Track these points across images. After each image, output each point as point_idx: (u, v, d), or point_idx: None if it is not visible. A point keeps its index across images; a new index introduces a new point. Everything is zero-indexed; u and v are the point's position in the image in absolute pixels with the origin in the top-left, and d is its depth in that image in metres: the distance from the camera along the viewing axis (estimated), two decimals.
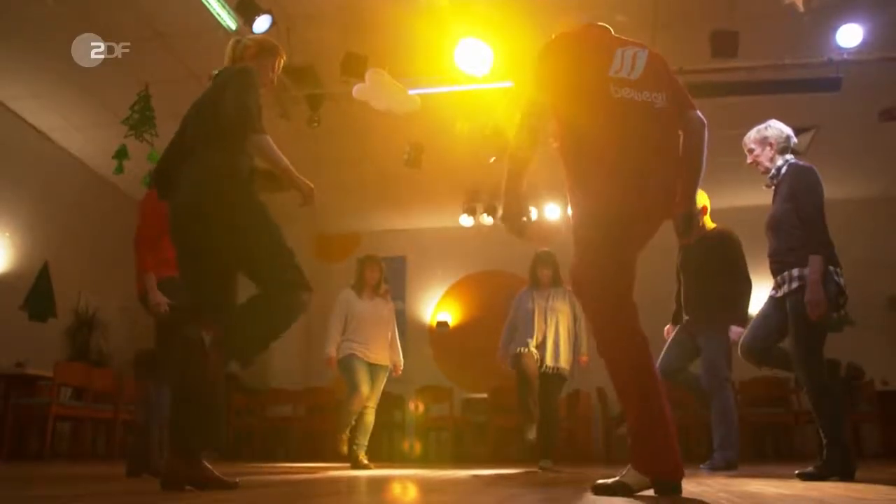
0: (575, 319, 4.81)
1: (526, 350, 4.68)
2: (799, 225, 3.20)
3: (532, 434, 4.56)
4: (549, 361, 4.67)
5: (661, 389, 2.08)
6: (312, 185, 2.52)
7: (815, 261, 3.10)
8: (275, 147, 2.42)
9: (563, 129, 2.22)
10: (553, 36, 2.44)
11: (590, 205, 2.17)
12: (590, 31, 2.38)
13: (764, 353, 3.42)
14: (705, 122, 2.34)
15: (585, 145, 2.20)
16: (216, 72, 2.64)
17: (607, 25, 2.42)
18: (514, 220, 2.27)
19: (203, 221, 2.36)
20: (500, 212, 2.30)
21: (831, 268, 3.15)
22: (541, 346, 4.70)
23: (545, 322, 4.74)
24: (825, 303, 3.07)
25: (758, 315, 3.46)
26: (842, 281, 3.17)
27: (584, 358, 4.80)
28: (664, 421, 2.02)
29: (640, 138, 2.17)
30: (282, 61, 2.81)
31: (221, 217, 2.35)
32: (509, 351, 4.86)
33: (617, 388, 2.14)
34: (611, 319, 2.13)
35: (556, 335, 4.72)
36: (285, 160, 2.45)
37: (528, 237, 2.32)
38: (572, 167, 2.24)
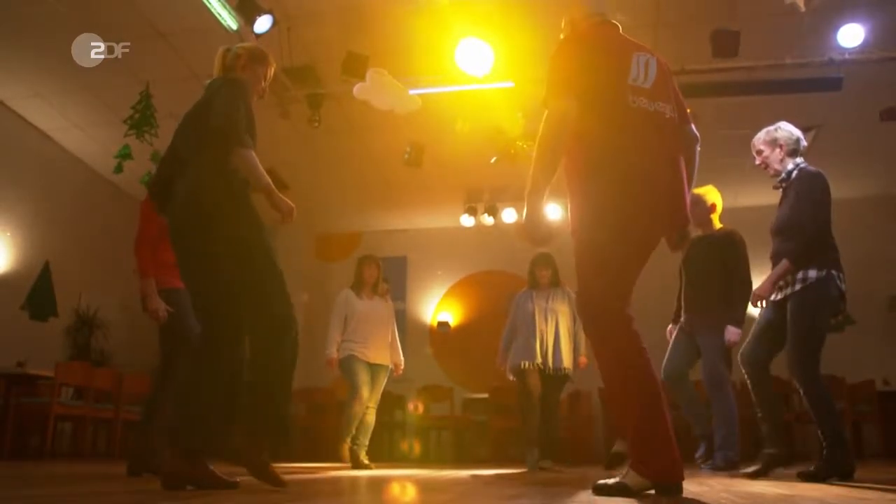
0: (574, 319, 4.80)
1: (529, 365, 4.66)
2: (801, 229, 3.21)
3: (533, 461, 4.57)
4: (549, 362, 4.68)
5: (661, 391, 2.08)
6: (293, 206, 2.50)
7: (783, 265, 3.22)
8: (257, 164, 2.39)
9: (573, 131, 2.18)
10: (568, 33, 2.41)
11: (596, 207, 2.17)
12: (605, 32, 2.35)
13: (760, 370, 3.38)
14: (699, 137, 2.40)
15: (597, 149, 2.19)
16: (208, 82, 2.64)
17: (617, 23, 2.40)
18: (538, 230, 2.17)
19: (199, 231, 2.37)
20: (522, 219, 2.22)
21: (834, 272, 3.16)
22: (541, 347, 4.70)
23: (545, 323, 4.74)
24: (767, 300, 3.28)
25: (758, 322, 3.43)
26: (843, 286, 3.18)
27: (584, 359, 4.81)
28: (664, 423, 2.02)
29: (651, 148, 2.18)
30: (272, 70, 2.80)
31: (217, 226, 2.35)
32: (510, 357, 4.86)
33: (616, 390, 2.14)
34: (612, 320, 2.13)
35: (556, 336, 4.72)
36: (266, 178, 2.41)
37: (547, 243, 2.31)
38: (579, 169, 2.22)
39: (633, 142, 2.17)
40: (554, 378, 4.71)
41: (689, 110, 2.47)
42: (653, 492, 2.03)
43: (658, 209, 2.18)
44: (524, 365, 4.67)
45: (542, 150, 2.16)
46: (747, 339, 3.47)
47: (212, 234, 2.35)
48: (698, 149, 2.42)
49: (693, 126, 2.39)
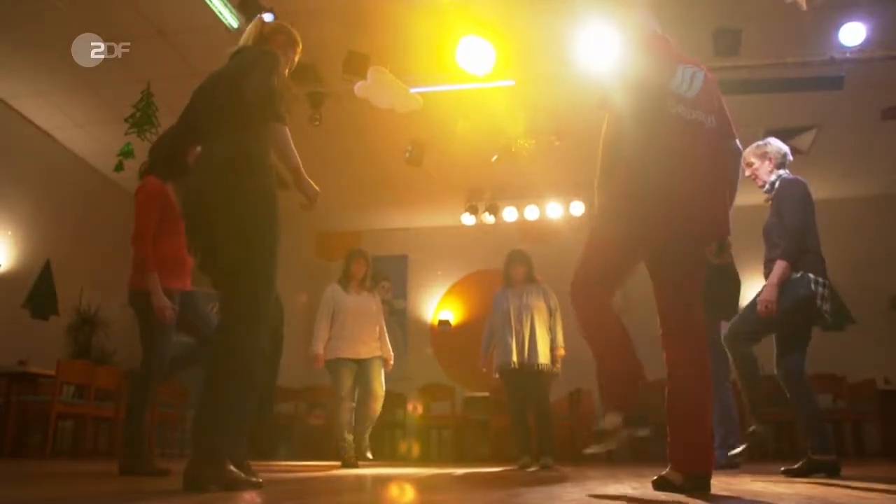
0: (550, 313, 4.84)
1: (510, 366, 4.72)
2: (789, 230, 3.34)
3: (526, 462, 4.66)
4: (528, 358, 4.72)
5: (620, 341, 2.21)
6: (318, 190, 2.45)
7: (778, 265, 3.32)
8: (291, 142, 2.31)
9: (610, 124, 2.27)
10: (630, 36, 2.49)
11: (607, 201, 2.26)
12: (659, 41, 2.43)
13: (736, 344, 3.48)
14: (742, 151, 2.48)
15: (625, 148, 2.24)
16: (235, 49, 2.52)
17: (669, 38, 2.47)
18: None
19: (222, 206, 2.24)
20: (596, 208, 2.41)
21: (810, 275, 3.28)
22: (519, 345, 4.75)
23: (520, 321, 4.79)
24: (774, 304, 3.29)
25: (746, 306, 3.58)
26: (821, 289, 3.28)
27: (560, 351, 4.82)
28: (623, 366, 2.19)
29: (680, 158, 2.21)
30: (297, 59, 2.74)
31: (239, 203, 2.24)
32: (494, 356, 4.94)
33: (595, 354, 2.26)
34: (584, 298, 2.25)
35: (532, 332, 4.76)
36: (297, 159, 2.32)
37: None
38: (604, 162, 2.29)
39: (663, 146, 2.21)
40: (536, 374, 4.74)
41: None
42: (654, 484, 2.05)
43: (663, 218, 2.19)
44: (505, 367, 4.75)
45: (604, 151, 2.27)
46: (733, 319, 3.62)
47: (231, 212, 2.23)
48: (741, 162, 2.51)
49: (737, 141, 2.42)
